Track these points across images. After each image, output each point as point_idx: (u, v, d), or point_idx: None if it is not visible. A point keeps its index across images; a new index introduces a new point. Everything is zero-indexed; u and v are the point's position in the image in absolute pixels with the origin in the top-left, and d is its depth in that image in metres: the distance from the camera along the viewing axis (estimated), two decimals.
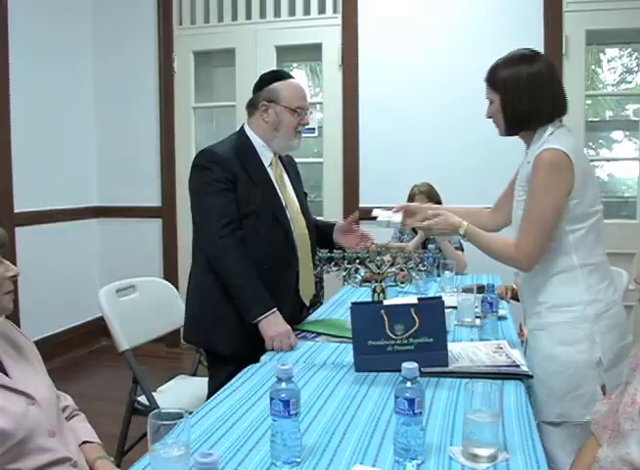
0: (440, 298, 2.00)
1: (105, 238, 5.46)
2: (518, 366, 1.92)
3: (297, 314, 2.53)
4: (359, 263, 2.26)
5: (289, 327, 2.28)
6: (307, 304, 2.57)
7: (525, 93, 1.99)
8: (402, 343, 1.91)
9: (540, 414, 2.00)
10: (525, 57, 2.05)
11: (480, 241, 2.11)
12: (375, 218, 2.34)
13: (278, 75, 2.48)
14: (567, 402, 1.98)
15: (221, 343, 2.38)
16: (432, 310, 1.92)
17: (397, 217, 2.33)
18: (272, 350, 2.24)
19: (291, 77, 2.49)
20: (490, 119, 2.13)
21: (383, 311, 1.92)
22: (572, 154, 1.92)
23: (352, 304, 2.01)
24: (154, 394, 2.60)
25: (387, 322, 1.91)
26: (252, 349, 2.23)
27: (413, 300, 1.99)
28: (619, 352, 1.99)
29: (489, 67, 2.10)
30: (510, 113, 2.03)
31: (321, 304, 3.19)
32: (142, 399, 2.62)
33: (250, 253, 2.31)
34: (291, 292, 2.46)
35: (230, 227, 2.29)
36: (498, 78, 2.04)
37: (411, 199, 3.95)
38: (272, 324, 2.25)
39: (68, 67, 5.10)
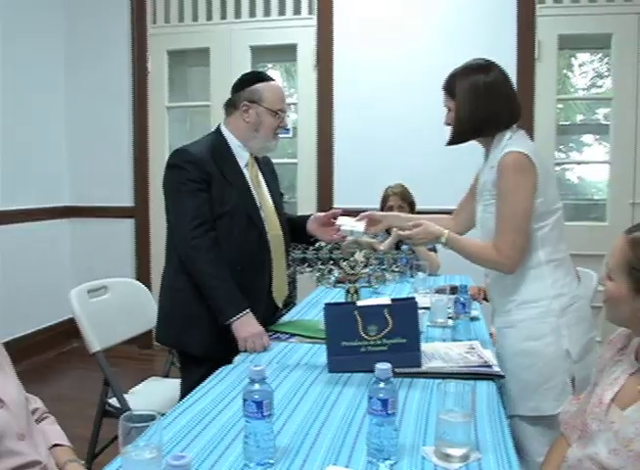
0: (414, 298, 2.01)
1: (76, 238, 5.40)
2: (490, 366, 1.94)
3: (270, 315, 2.52)
4: (333, 264, 2.26)
5: (262, 328, 2.28)
6: (280, 305, 2.57)
7: (483, 101, 2.08)
8: (375, 343, 1.91)
9: (514, 409, 2.05)
10: (481, 66, 2.12)
11: (462, 247, 2.15)
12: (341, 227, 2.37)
13: (259, 77, 2.48)
14: (539, 396, 2.03)
15: (194, 343, 2.37)
16: (405, 311, 1.93)
17: (360, 226, 2.37)
18: (245, 351, 2.23)
19: (272, 80, 2.49)
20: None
21: (356, 312, 1.92)
22: (533, 155, 2.00)
23: (326, 304, 2.01)
24: (125, 396, 2.58)
25: (360, 323, 1.91)
26: (225, 350, 2.22)
27: (386, 300, 2.00)
28: (587, 344, 2.06)
29: (447, 76, 2.17)
30: (468, 120, 2.11)
31: (294, 304, 3.18)
32: (113, 401, 2.59)
33: (223, 253, 2.30)
34: (264, 293, 2.45)
35: (203, 228, 2.28)
36: (456, 87, 2.12)
37: (385, 200, 3.96)
38: (245, 325, 2.24)
39: (39, 65, 5.04)
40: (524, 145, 2.04)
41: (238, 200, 2.37)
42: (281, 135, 2.49)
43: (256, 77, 2.47)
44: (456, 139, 2.18)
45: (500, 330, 2.19)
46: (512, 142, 2.06)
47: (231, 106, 2.47)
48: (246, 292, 2.30)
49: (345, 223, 2.39)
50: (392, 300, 2.02)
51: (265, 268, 2.45)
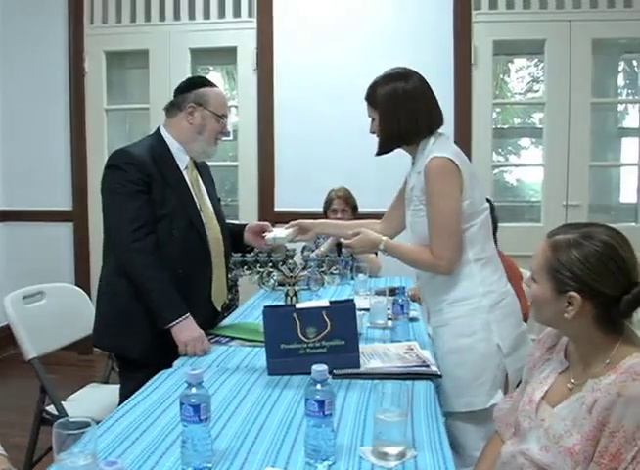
0: (352, 300, 2.04)
1: (11, 243, 5.24)
2: (427, 366, 1.98)
3: (210, 319, 2.52)
4: (272, 267, 2.28)
5: (202, 332, 2.27)
6: (219, 309, 2.56)
7: (403, 108, 2.13)
8: (314, 346, 1.93)
9: (449, 406, 2.09)
10: (400, 75, 2.17)
11: (400, 252, 2.22)
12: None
13: (205, 82, 2.50)
14: (472, 391, 2.09)
15: (132, 347, 2.34)
16: (343, 313, 1.95)
17: (283, 233, 2.42)
18: (185, 355, 2.22)
19: (216, 86, 2.52)
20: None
21: (295, 315, 1.94)
22: (456, 159, 2.07)
23: (265, 307, 2.02)
24: (63, 403, 2.53)
25: (299, 325, 1.93)
26: (166, 354, 2.20)
27: (325, 303, 2.02)
28: (517, 338, 2.14)
29: (368, 86, 2.21)
30: (391, 128, 2.16)
31: (237, 308, 3.18)
32: (51, 408, 2.54)
33: (163, 256, 2.28)
34: (204, 297, 2.45)
35: (143, 230, 2.26)
36: (377, 96, 2.17)
37: (328, 203, 3.99)
38: (185, 329, 2.23)
39: None
40: (447, 149, 2.09)
41: (178, 202, 2.36)
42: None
43: (203, 82, 2.49)
44: (382, 148, 2.22)
45: (435, 330, 2.25)
46: (436, 147, 2.11)
47: (175, 107, 2.46)
48: (186, 295, 2.29)
49: (273, 231, 2.46)
50: (331, 302, 2.04)
51: (205, 272, 2.45)
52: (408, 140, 2.18)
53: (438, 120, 2.20)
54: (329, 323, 1.93)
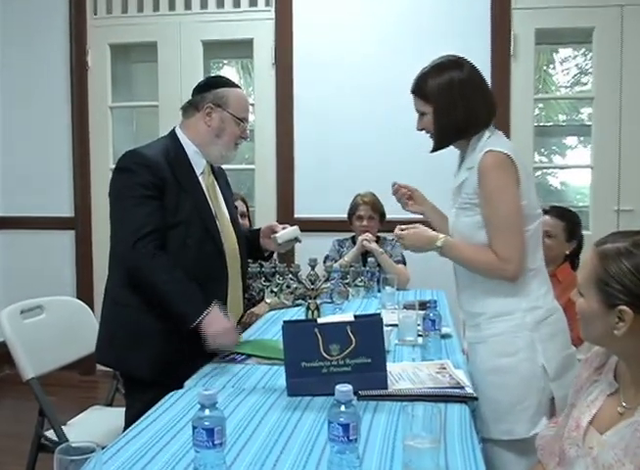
0: (379, 315, 2.04)
1: (8, 253, 5.31)
2: (462, 388, 1.97)
3: None
4: (291, 278, 2.29)
5: (231, 322, 2.32)
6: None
7: (460, 100, 2.10)
8: (338, 364, 1.93)
9: (487, 432, 2.07)
10: (453, 63, 2.15)
11: (460, 252, 2.16)
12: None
13: (226, 81, 2.53)
14: (513, 417, 2.06)
15: (140, 365, 2.35)
16: (369, 329, 1.95)
17: (280, 231, 2.54)
18: (214, 353, 2.29)
19: (239, 87, 2.55)
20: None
21: (316, 330, 1.94)
22: (513, 155, 2.04)
23: (284, 322, 2.03)
24: (63, 427, 2.56)
25: (321, 342, 1.93)
26: (175, 372, 2.21)
27: (349, 317, 2.03)
28: (564, 361, 2.09)
29: (415, 77, 2.19)
30: (446, 122, 2.13)
31: None
32: (50, 433, 2.57)
33: (176, 264, 2.30)
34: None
35: (152, 237, 2.28)
36: (429, 88, 2.13)
37: (354, 209, 4.00)
38: (214, 321, 2.25)
39: None
40: (503, 145, 2.08)
41: (193, 209, 2.39)
42: None
43: (223, 82, 2.52)
44: (439, 145, 2.20)
45: (471, 346, 2.23)
46: (491, 142, 2.09)
47: (192, 107, 2.49)
48: None
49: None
50: (356, 316, 2.04)
51: (221, 283, 2.47)
52: (466, 134, 2.15)
53: (493, 111, 2.18)
54: (354, 339, 1.93)
